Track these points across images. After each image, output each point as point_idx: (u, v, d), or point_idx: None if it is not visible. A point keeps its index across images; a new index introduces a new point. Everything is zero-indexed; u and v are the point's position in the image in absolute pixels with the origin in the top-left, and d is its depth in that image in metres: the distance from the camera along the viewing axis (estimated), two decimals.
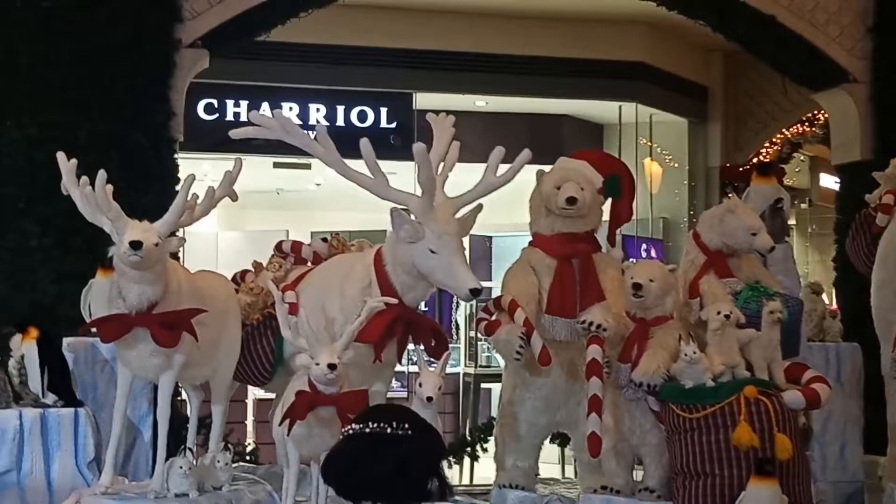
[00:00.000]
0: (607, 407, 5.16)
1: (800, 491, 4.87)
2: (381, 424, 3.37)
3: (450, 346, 5.26)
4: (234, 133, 5.27)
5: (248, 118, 5.25)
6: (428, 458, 3.42)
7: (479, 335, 12.05)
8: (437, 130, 5.42)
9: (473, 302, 13.35)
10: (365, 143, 4.92)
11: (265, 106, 11.89)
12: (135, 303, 4.72)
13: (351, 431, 3.42)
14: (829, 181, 14.32)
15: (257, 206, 14.19)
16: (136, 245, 4.55)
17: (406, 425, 3.38)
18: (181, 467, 4.87)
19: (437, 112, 5.51)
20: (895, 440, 6.26)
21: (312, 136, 5.18)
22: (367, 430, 3.37)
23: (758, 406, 4.81)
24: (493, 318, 5.38)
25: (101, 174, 4.69)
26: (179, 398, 6.19)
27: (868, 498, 6.20)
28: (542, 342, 5.23)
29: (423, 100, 12.22)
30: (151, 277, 4.71)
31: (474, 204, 5.14)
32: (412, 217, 4.99)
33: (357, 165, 5.05)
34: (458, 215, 5.08)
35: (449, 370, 12.60)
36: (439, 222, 4.95)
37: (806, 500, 4.91)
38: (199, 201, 5.04)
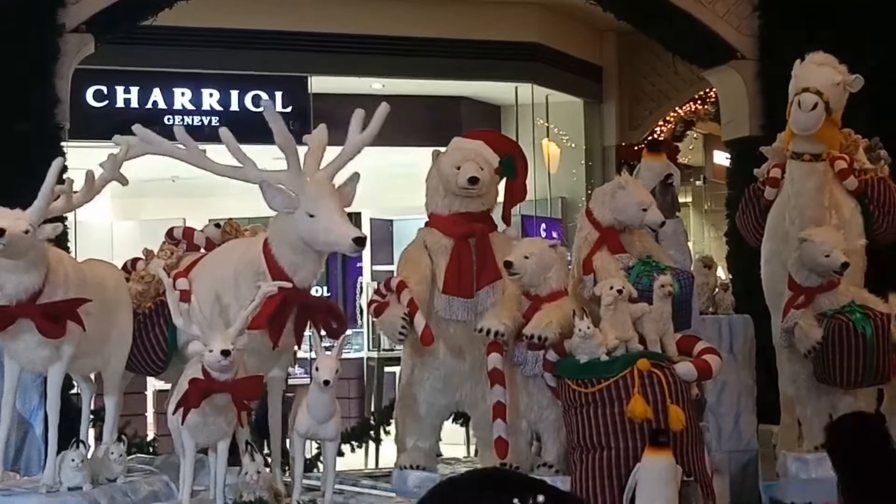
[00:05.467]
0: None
1: (694, 461, 4.96)
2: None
3: (349, 328, 5.19)
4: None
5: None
6: None
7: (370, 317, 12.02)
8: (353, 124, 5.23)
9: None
10: (224, 132, 4.77)
11: (156, 92, 11.74)
12: (12, 292, 4.61)
13: None
14: (722, 158, 14.58)
15: (152, 195, 13.94)
16: (0, 232, 4.45)
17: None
18: (73, 460, 4.77)
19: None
20: (787, 409, 6.39)
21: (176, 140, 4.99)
22: None
23: (651, 378, 4.88)
24: (385, 299, 5.37)
25: None
26: (74, 391, 6.05)
27: (762, 466, 6.32)
28: (424, 322, 5.23)
29: (318, 83, 12.05)
30: (26, 266, 4.60)
31: (350, 174, 4.94)
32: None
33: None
34: (337, 185, 4.89)
35: (353, 355, 12.67)
36: (311, 185, 4.77)
37: (700, 470, 5.00)
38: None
